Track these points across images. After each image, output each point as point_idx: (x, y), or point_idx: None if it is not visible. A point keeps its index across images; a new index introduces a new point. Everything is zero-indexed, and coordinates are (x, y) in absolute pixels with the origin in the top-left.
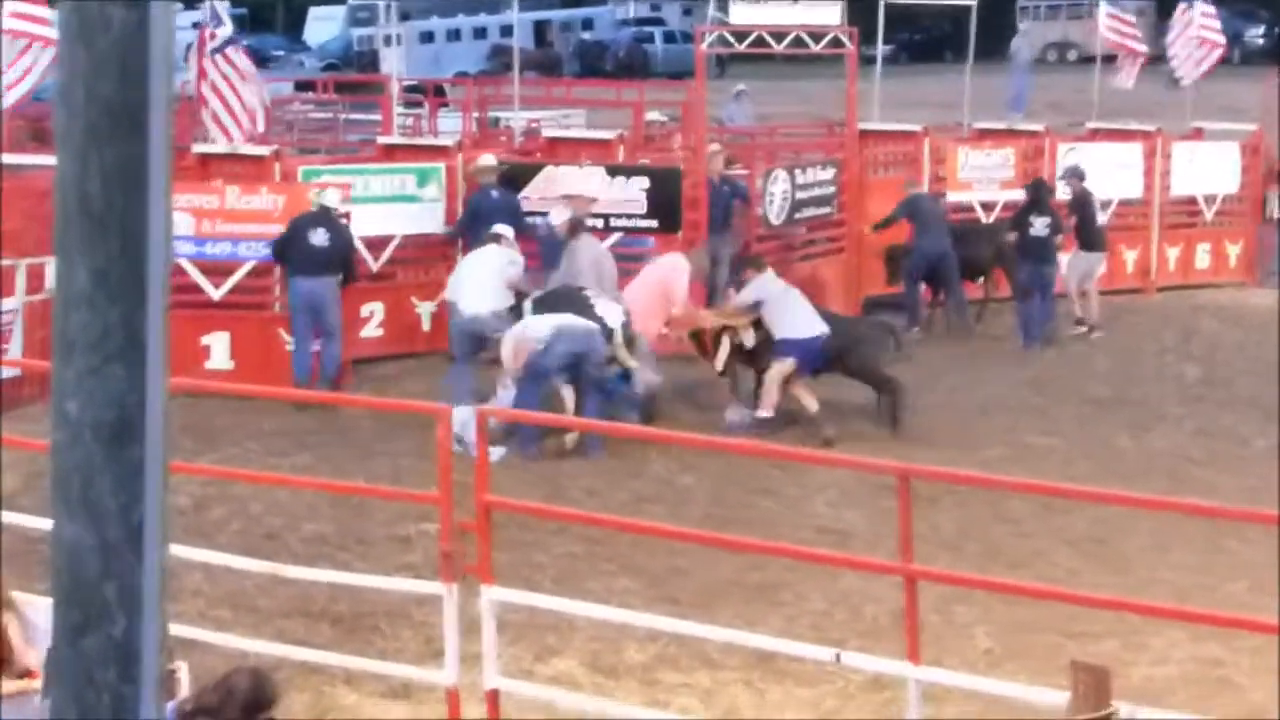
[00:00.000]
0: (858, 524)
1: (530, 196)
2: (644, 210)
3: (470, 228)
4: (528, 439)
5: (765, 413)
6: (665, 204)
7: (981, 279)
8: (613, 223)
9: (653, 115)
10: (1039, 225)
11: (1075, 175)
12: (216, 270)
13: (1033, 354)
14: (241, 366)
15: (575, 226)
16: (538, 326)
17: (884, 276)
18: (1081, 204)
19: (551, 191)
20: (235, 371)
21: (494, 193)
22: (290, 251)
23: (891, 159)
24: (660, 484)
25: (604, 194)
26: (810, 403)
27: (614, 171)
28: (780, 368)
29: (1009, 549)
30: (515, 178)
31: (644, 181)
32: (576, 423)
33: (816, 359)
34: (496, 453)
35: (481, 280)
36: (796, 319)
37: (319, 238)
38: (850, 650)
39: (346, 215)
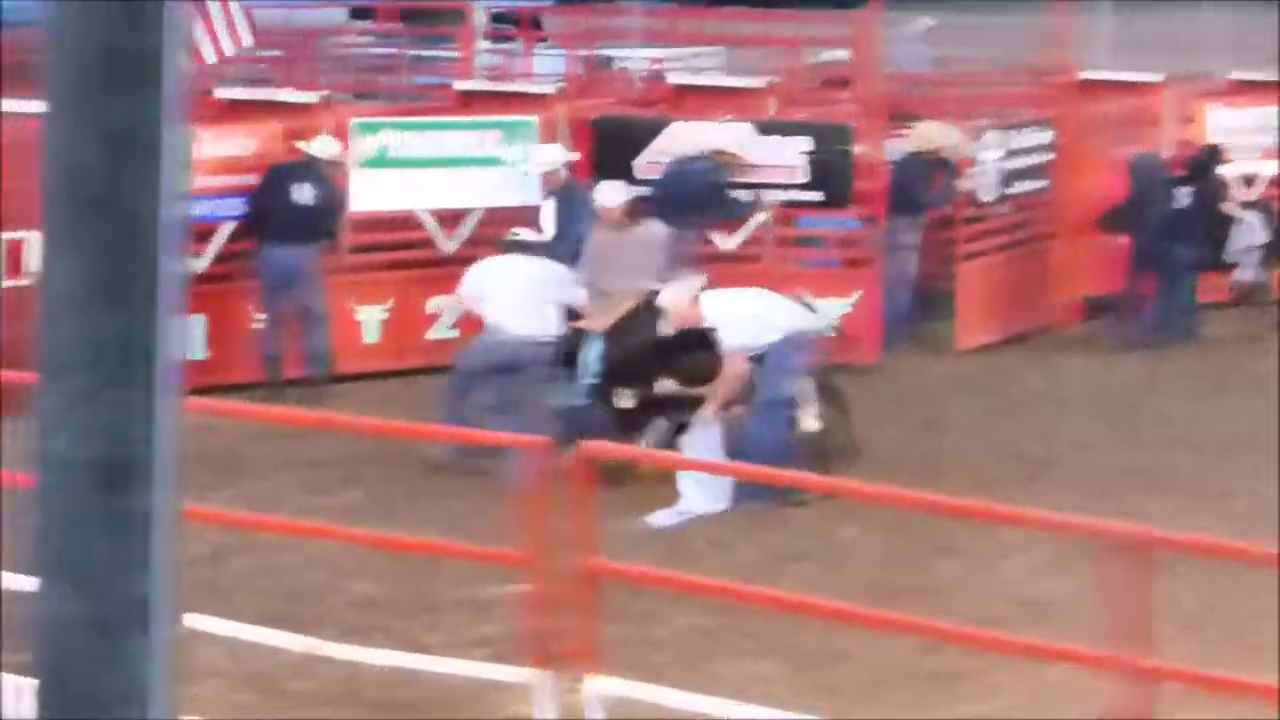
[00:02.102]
0: (1064, 594)
1: (650, 159)
2: (805, 178)
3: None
4: (763, 493)
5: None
6: (832, 170)
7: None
8: (765, 195)
9: (825, 55)
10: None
11: None
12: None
13: None
14: (219, 356)
15: (634, 209)
16: (759, 327)
17: (1106, 267)
18: None
19: (675, 151)
20: (210, 363)
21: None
22: (268, 211)
23: (1119, 118)
24: (812, 537)
25: (752, 158)
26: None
27: (766, 129)
28: None
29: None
30: (631, 136)
31: (804, 141)
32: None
33: None
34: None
35: (525, 295)
36: None
37: (304, 194)
38: None
39: (339, 168)
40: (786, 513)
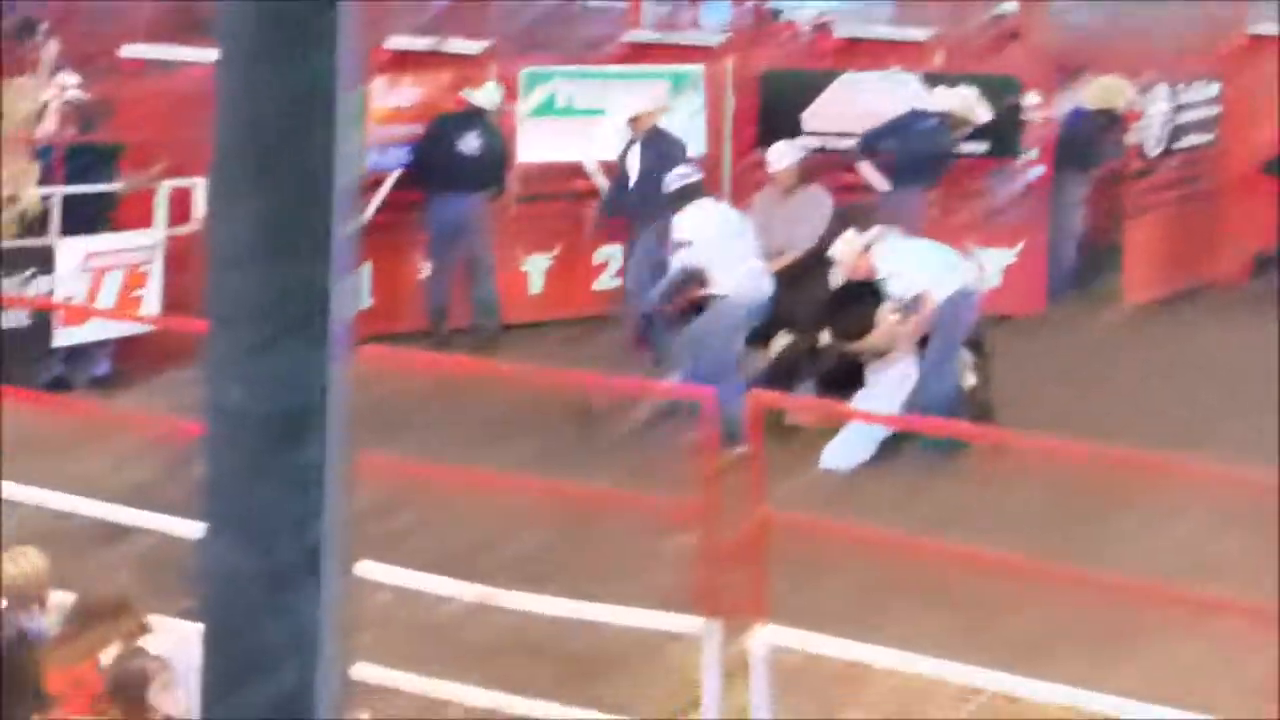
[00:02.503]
0: (1236, 550)
1: (819, 113)
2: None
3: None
4: (936, 444)
5: None
6: (1000, 121)
7: None
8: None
9: (999, 8)
10: None
11: None
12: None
13: None
14: (384, 305)
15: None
16: (934, 280)
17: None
18: None
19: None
20: (376, 312)
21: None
22: (434, 160)
23: None
24: (982, 490)
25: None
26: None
27: (933, 80)
28: None
29: None
30: (798, 90)
31: (972, 93)
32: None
33: None
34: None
35: (742, 245)
36: None
37: (470, 144)
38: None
39: (505, 117)
40: (956, 465)
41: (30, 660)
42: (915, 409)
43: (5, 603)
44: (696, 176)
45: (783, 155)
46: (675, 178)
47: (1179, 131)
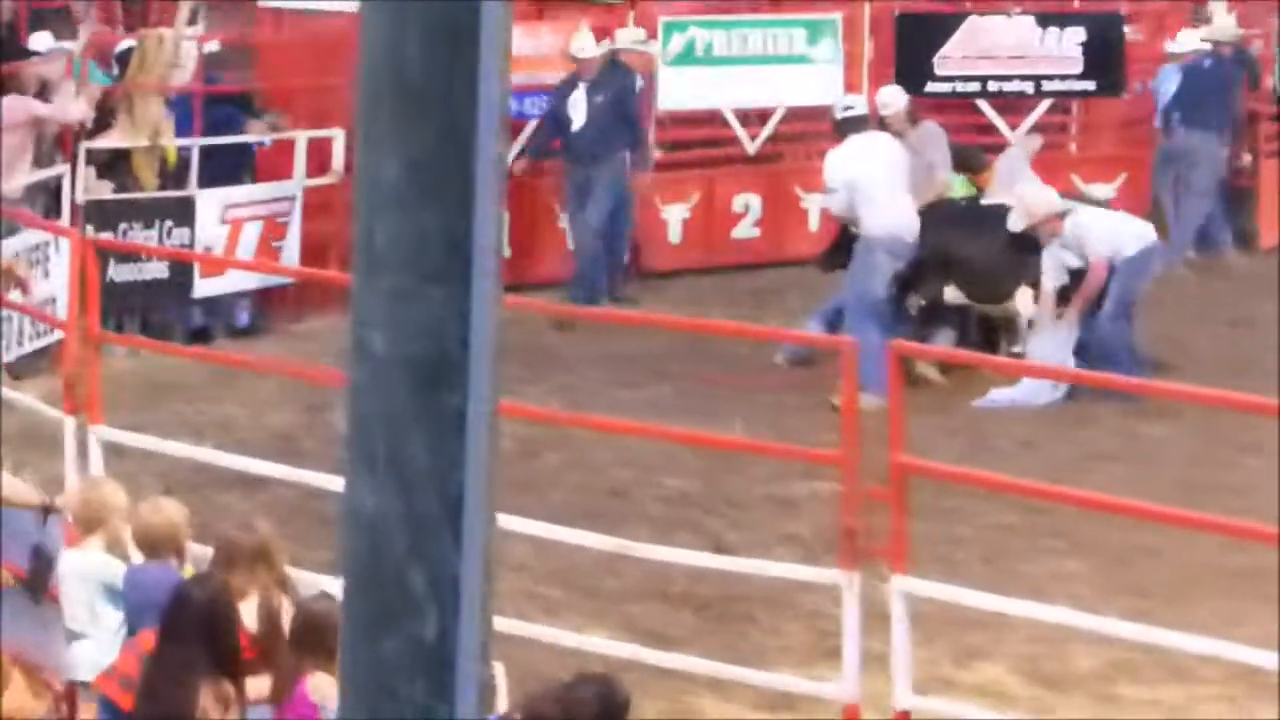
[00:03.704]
0: None
1: (950, 56)
2: (1079, 69)
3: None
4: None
5: None
6: (1104, 58)
7: None
8: (1044, 85)
9: None
10: None
11: None
12: None
13: None
14: (517, 254)
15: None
16: (1120, 240)
17: None
18: None
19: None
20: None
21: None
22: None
23: None
24: (1120, 436)
25: (1032, 50)
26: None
27: (1045, 21)
28: None
29: None
30: (931, 31)
31: (1079, 33)
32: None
33: None
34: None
35: (897, 183)
36: None
37: (605, 96)
38: None
39: (645, 66)
40: (1095, 411)
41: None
42: (1095, 361)
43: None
44: (863, 109)
45: (890, 99)
46: (841, 108)
47: None
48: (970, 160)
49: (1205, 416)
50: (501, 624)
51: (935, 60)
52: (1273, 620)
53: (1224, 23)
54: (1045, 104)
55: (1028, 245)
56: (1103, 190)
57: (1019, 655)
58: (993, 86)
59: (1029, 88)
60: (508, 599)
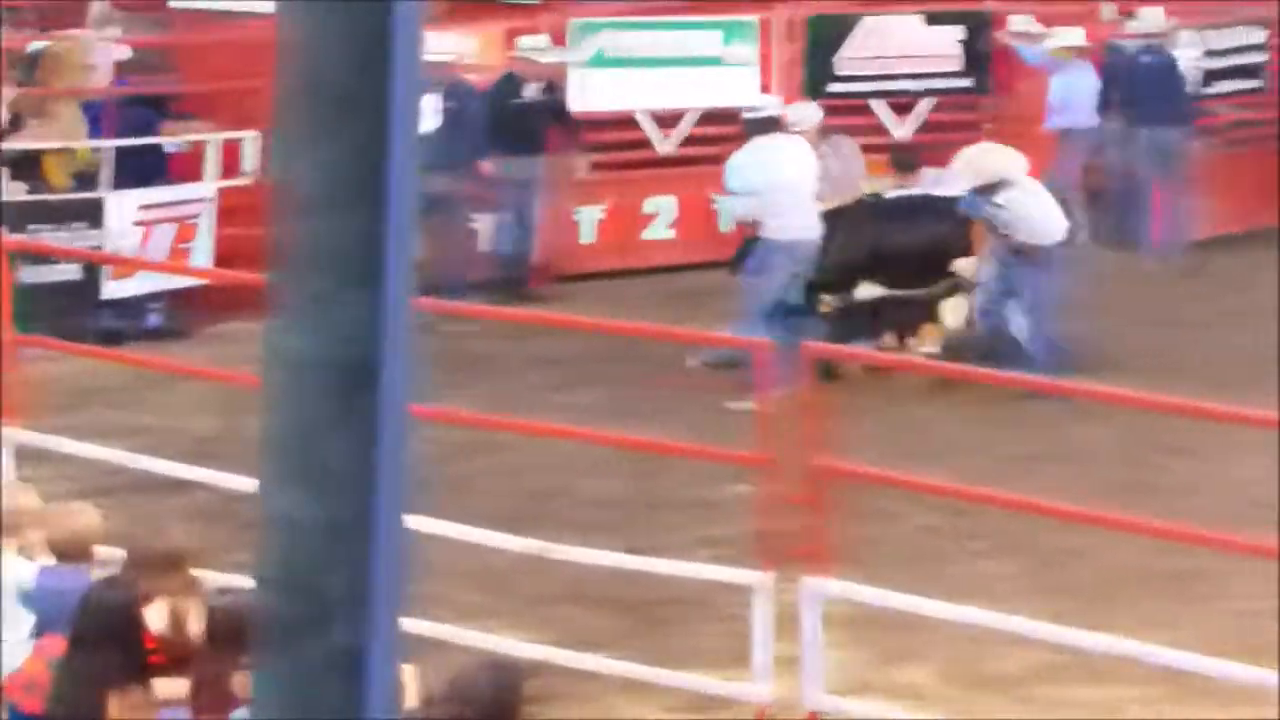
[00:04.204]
0: None
1: (850, 56)
2: (959, 66)
3: None
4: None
5: None
6: (975, 57)
7: None
8: (929, 84)
9: None
10: None
11: None
12: None
13: None
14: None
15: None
16: (1048, 225)
17: None
18: None
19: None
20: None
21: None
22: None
23: None
24: (1049, 437)
25: (920, 50)
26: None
27: (932, 19)
28: None
29: None
30: (839, 33)
31: (958, 31)
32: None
33: None
34: None
35: (802, 187)
36: None
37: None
38: None
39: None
40: (1024, 412)
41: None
42: (1024, 356)
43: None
44: (776, 110)
45: (802, 116)
46: (753, 108)
47: (1211, 77)
48: (904, 161)
49: (1132, 418)
50: (421, 627)
51: (836, 61)
52: (1198, 623)
53: (1153, 15)
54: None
55: (956, 229)
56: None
57: (942, 657)
58: (885, 86)
59: (917, 86)
60: (426, 603)
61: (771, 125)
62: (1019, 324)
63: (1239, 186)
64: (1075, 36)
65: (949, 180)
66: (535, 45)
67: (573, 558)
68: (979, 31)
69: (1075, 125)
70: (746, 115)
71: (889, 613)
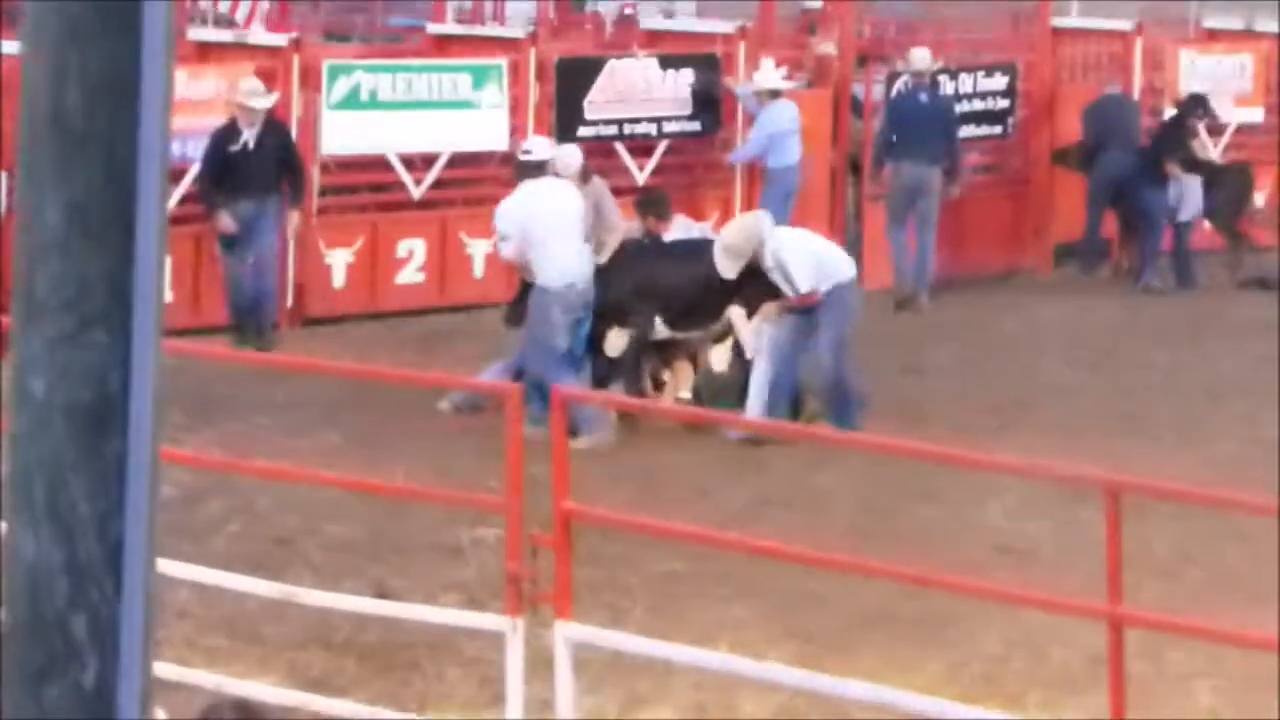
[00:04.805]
0: (1043, 540)
1: (596, 100)
2: (689, 109)
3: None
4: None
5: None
6: (706, 100)
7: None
8: (664, 128)
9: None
10: None
11: None
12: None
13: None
14: (180, 299)
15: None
16: (823, 271)
17: (1081, 217)
18: None
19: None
20: (179, 305)
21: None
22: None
23: (1092, 63)
24: (791, 483)
25: (649, 92)
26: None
27: (665, 63)
28: None
29: (1243, 576)
30: (587, 76)
31: (688, 74)
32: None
33: None
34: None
35: (572, 230)
36: None
37: (257, 143)
38: (1034, 710)
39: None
40: (764, 457)
41: None
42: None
43: None
44: (542, 154)
45: (567, 159)
46: (523, 151)
47: (968, 119)
48: (656, 206)
49: (874, 463)
50: (165, 671)
51: (584, 105)
52: (941, 667)
53: (920, 55)
54: (664, 145)
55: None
56: (700, 228)
57: (686, 702)
58: (626, 130)
59: (652, 130)
60: (171, 646)
61: (539, 169)
62: (821, 365)
63: (980, 231)
64: (774, 78)
65: (701, 230)
66: (252, 89)
67: (317, 602)
68: (707, 75)
69: (779, 164)
70: (519, 158)
71: (635, 658)
